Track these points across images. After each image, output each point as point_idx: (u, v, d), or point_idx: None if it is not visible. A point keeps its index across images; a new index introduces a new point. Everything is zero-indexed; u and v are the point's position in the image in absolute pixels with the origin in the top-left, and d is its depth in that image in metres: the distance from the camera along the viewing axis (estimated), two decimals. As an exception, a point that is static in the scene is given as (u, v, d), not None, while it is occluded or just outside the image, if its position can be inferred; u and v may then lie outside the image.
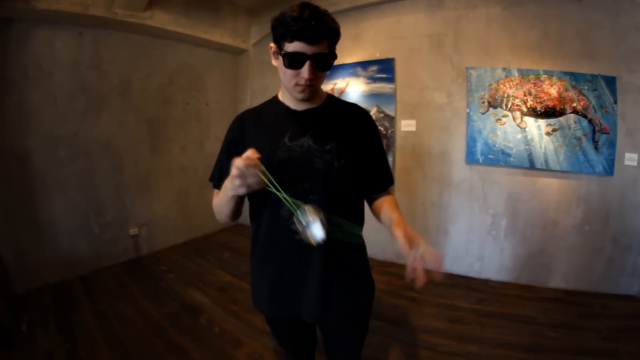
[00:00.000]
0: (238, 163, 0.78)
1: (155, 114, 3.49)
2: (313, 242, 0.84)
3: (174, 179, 3.74)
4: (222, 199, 0.97)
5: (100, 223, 3.09)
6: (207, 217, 4.00)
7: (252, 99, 4.31)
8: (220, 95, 4.22)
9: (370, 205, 1.10)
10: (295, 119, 1.00)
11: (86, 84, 2.91)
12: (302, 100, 0.96)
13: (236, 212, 1.02)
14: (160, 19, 3.15)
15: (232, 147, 1.03)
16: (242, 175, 0.79)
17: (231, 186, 0.84)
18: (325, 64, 0.89)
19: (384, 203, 1.05)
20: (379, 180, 1.08)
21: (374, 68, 3.26)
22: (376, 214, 1.07)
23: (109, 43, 3.03)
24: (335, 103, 1.07)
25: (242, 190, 0.83)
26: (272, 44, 0.91)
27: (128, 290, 2.73)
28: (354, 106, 1.09)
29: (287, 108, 1.01)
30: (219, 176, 1.06)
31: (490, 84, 2.78)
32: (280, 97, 1.05)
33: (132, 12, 2.90)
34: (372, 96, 3.30)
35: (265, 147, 0.97)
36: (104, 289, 2.74)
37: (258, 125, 1.02)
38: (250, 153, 0.79)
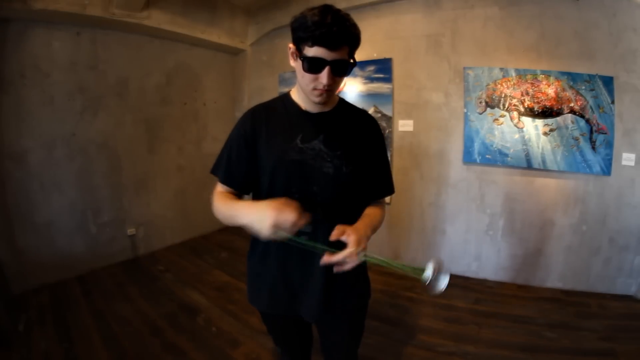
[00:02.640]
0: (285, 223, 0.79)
1: (153, 114, 3.48)
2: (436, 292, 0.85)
3: (172, 179, 3.73)
4: (229, 216, 0.95)
5: (97, 223, 3.09)
6: (205, 217, 4.01)
7: (250, 99, 4.30)
8: (218, 95, 4.22)
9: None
10: (308, 120, 1.00)
11: (83, 84, 2.91)
12: (319, 104, 0.96)
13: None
14: (157, 19, 3.14)
15: (242, 142, 1.01)
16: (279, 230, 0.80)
17: (255, 227, 0.83)
18: (344, 70, 0.88)
19: (374, 204, 1.07)
20: (377, 190, 1.09)
21: (372, 68, 3.26)
22: None
23: (106, 43, 3.02)
24: (347, 108, 1.07)
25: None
26: (291, 45, 0.90)
27: (125, 290, 2.73)
28: (363, 113, 1.10)
29: (301, 109, 1.01)
30: (225, 171, 1.04)
31: (488, 84, 2.78)
32: (294, 96, 1.04)
33: (130, 12, 2.89)
34: (370, 96, 3.30)
35: (277, 146, 0.97)
36: (101, 289, 2.74)
37: (270, 123, 1.01)
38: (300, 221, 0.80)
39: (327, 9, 0.82)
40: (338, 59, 0.84)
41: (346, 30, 0.83)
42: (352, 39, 0.86)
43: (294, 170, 0.95)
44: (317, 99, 0.93)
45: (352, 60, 0.89)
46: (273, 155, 0.97)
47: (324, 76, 0.85)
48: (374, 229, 0.98)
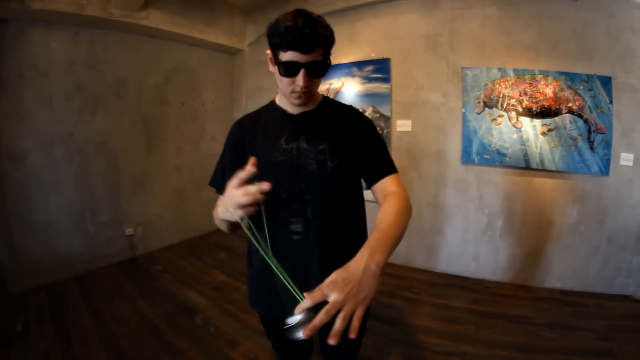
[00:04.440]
0: (237, 194, 0.77)
1: (151, 114, 3.48)
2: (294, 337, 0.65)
3: (170, 179, 3.73)
4: (217, 218, 0.97)
5: (95, 223, 3.09)
6: (203, 217, 4.02)
7: (248, 99, 4.29)
8: (216, 95, 4.21)
9: (376, 195, 1.02)
10: (291, 122, 1.02)
11: (82, 84, 2.91)
12: (299, 105, 0.98)
13: (232, 227, 1.01)
14: (155, 19, 3.14)
15: (233, 153, 1.05)
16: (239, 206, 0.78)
17: (222, 210, 0.85)
18: (319, 71, 0.90)
19: (383, 204, 0.95)
20: (375, 171, 1.03)
21: (370, 68, 3.26)
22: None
23: (104, 43, 3.02)
24: (330, 105, 1.08)
25: (235, 215, 0.79)
26: (268, 51, 0.92)
27: (123, 290, 2.73)
28: (348, 107, 1.11)
29: (284, 112, 1.03)
30: (221, 182, 1.02)
31: (486, 84, 2.78)
32: (278, 101, 1.07)
33: (128, 12, 2.89)
34: (368, 96, 3.30)
35: (264, 150, 0.99)
36: (99, 289, 2.74)
37: (257, 130, 1.04)
38: (258, 187, 0.76)
39: (299, 13, 0.83)
40: (312, 61, 0.86)
41: (317, 33, 0.83)
42: (325, 40, 0.87)
43: (280, 171, 0.97)
44: (296, 101, 0.96)
45: (327, 62, 0.91)
46: (260, 160, 0.98)
47: (299, 79, 0.88)
48: (391, 241, 0.77)
